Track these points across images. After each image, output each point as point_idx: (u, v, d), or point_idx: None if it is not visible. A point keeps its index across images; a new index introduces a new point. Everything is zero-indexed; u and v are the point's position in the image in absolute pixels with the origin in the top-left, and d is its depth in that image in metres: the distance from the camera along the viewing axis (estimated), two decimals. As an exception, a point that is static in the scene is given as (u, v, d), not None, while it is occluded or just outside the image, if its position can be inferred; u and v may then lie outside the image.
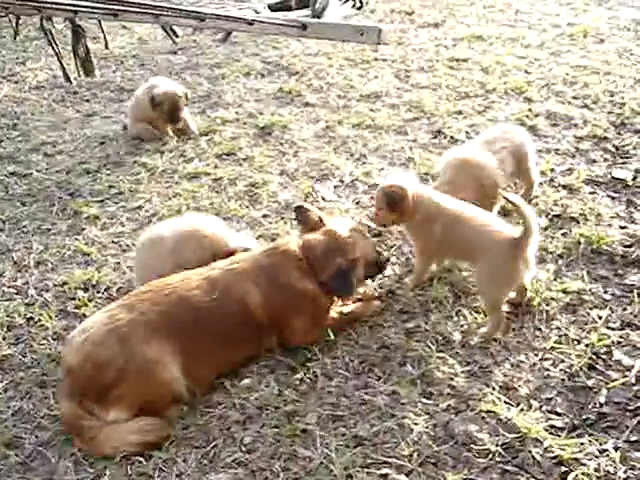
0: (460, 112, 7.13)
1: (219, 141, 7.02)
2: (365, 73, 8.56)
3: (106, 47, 7.13)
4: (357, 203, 5.66)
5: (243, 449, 3.50)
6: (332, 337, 4.16)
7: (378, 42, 5.88)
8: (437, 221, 4.35)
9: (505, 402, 3.62)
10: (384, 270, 4.59)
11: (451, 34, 9.87)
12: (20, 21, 7.79)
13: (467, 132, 6.53)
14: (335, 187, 5.94)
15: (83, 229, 5.68)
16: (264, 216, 5.56)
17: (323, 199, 5.72)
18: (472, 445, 3.39)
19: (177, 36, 4.66)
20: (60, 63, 4.58)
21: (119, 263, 5.14)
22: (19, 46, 11.23)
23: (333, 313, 4.28)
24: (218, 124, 7.43)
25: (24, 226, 5.85)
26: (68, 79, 4.74)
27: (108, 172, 6.67)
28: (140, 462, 3.46)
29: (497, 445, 3.36)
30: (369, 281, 4.61)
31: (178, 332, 3.80)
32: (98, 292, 4.82)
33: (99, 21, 7.52)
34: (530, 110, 7.01)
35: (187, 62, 9.72)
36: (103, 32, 5.75)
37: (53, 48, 4.33)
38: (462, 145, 5.50)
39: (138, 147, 7.11)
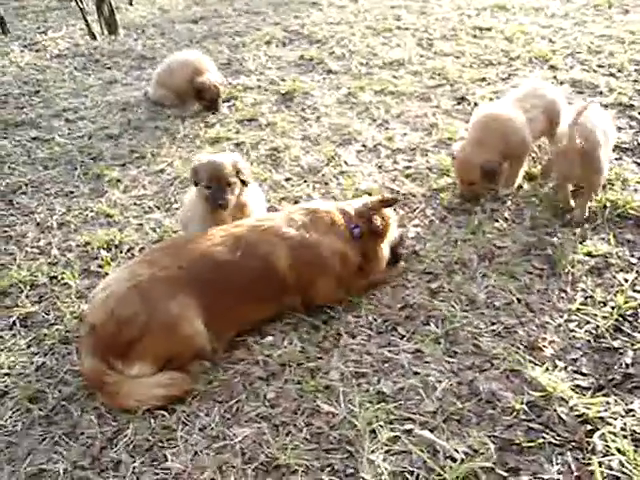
0: (484, 79, 7.08)
1: (241, 107, 7.01)
2: (387, 41, 8.51)
3: (130, 3, 7.07)
4: (380, 167, 5.63)
5: (266, 404, 3.49)
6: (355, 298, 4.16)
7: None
8: None
9: (530, 362, 3.59)
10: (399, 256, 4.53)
11: (474, 4, 9.83)
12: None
13: (491, 99, 6.46)
14: (358, 152, 5.92)
15: (105, 192, 5.68)
16: (287, 179, 5.54)
17: (345, 163, 5.68)
18: (496, 403, 3.37)
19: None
20: (85, 20, 4.57)
21: (141, 224, 5.14)
22: (40, 16, 11.24)
23: (363, 278, 4.26)
24: (239, 91, 7.41)
25: (47, 189, 5.86)
26: (93, 36, 4.71)
27: (130, 137, 6.67)
28: (163, 416, 3.46)
29: (522, 403, 3.34)
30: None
31: (200, 287, 3.75)
32: (121, 252, 4.82)
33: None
34: (555, 78, 6.95)
35: (208, 31, 9.69)
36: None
37: (78, 4, 4.30)
38: (493, 102, 5.43)
39: (159, 113, 7.11)
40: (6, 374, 3.90)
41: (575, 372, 3.54)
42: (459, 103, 6.62)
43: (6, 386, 3.81)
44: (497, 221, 4.77)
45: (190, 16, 10.41)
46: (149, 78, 7.95)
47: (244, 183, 4.36)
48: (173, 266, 3.79)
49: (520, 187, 5.12)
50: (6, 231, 5.28)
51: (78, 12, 10.92)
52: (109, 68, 8.70)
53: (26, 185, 5.94)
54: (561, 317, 3.91)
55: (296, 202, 5.06)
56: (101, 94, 7.82)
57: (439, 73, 7.34)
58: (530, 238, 4.56)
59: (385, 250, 4.31)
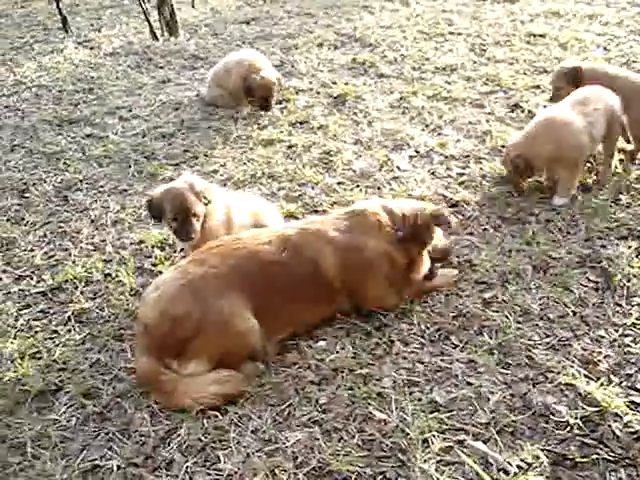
0: (538, 87, 7.03)
1: (293, 109, 7.04)
2: (440, 46, 8.48)
3: (192, 6, 7.13)
4: (432, 174, 5.61)
5: (318, 409, 3.50)
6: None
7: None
8: None
9: (585, 376, 3.55)
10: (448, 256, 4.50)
11: (528, 9, 9.73)
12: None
13: (545, 107, 6.39)
14: (410, 157, 5.91)
15: (159, 191, 5.72)
16: (339, 183, 5.55)
17: (398, 169, 5.68)
18: (550, 417, 3.34)
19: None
20: (147, 21, 4.61)
21: (195, 224, 5.16)
22: (93, 14, 11.38)
23: (412, 282, 4.23)
24: (291, 93, 7.44)
25: (101, 186, 5.93)
26: (155, 36, 4.76)
27: (183, 136, 6.72)
28: (216, 416, 3.49)
29: (576, 418, 3.31)
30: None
31: (248, 287, 3.78)
32: (174, 251, 4.86)
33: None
34: (610, 87, 6.85)
35: (260, 32, 9.74)
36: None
37: (141, 5, 4.36)
38: (556, 105, 5.42)
39: (212, 113, 7.16)
40: (61, 369, 3.96)
41: (630, 388, 3.49)
42: (513, 110, 6.58)
43: (61, 381, 3.87)
44: (552, 232, 4.73)
45: (242, 17, 10.47)
46: (201, 78, 8.03)
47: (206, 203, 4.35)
48: (223, 265, 3.82)
49: (575, 197, 5.07)
50: (61, 227, 5.36)
51: (132, 10, 11.11)
52: (162, 67, 8.78)
53: (81, 182, 6.02)
54: (616, 331, 3.87)
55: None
56: (154, 93, 7.90)
57: (492, 79, 7.30)
58: (585, 250, 4.52)
59: (425, 258, 4.27)
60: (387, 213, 4.18)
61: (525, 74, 7.36)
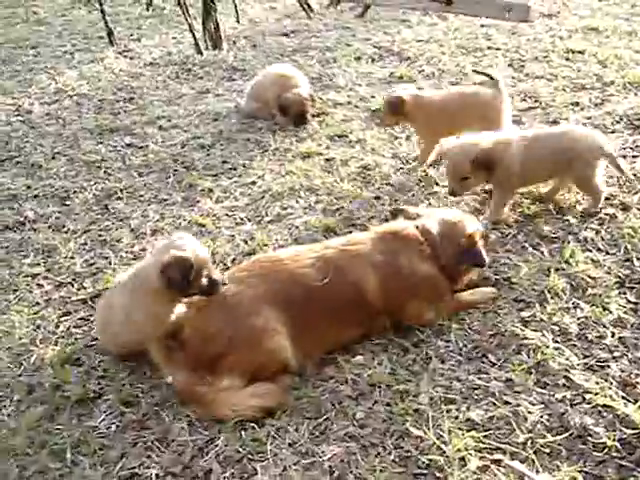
0: (577, 104, 6.96)
1: (331, 123, 7.07)
2: (478, 61, 8.45)
3: (237, 21, 7.18)
4: (470, 189, 5.60)
5: (355, 424, 3.52)
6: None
7: (525, 20, 5.72)
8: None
9: (623, 398, 3.53)
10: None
11: (566, 25, 9.65)
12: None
13: (584, 124, 6.35)
14: (448, 173, 5.89)
15: (198, 201, 5.80)
16: (377, 198, 5.57)
17: (436, 184, 5.68)
18: (588, 438, 3.32)
19: (312, 10, 4.62)
20: (192, 34, 4.66)
21: (233, 236, 5.22)
22: (133, 24, 11.50)
23: (450, 300, 4.26)
24: (330, 106, 7.46)
25: (141, 195, 6.01)
26: (199, 51, 4.81)
27: (222, 147, 6.79)
28: (253, 428, 3.52)
29: (614, 440, 3.29)
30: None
31: (286, 308, 3.83)
32: (213, 262, 4.87)
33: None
34: (650, 105, 6.81)
35: (298, 44, 9.77)
36: (235, 7, 5.76)
37: (186, 19, 4.41)
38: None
39: (251, 125, 7.21)
40: (100, 377, 4.03)
41: (669, 411, 3.47)
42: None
43: (101, 389, 3.93)
44: (591, 251, 4.68)
45: (281, 29, 10.53)
46: (240, 89, 8.10)
47: None
48: (261, 285, 3.89)
49: (615, 217, 5.03)
50: (101, 235, 5.44)
51: (171, 21, 11.23)
52: (201, 78, 8.87)
53: (121, 191, 6.09)
54: (655, 354, 3.85)
55: (386, 221, 5.08)
56: (193, 103, 7.98)
57: (530, 96, 7.26)
58: (624, 270, 4.48)
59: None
60: (421, 232, 4.22)
61: (564, 90, 7.30)
